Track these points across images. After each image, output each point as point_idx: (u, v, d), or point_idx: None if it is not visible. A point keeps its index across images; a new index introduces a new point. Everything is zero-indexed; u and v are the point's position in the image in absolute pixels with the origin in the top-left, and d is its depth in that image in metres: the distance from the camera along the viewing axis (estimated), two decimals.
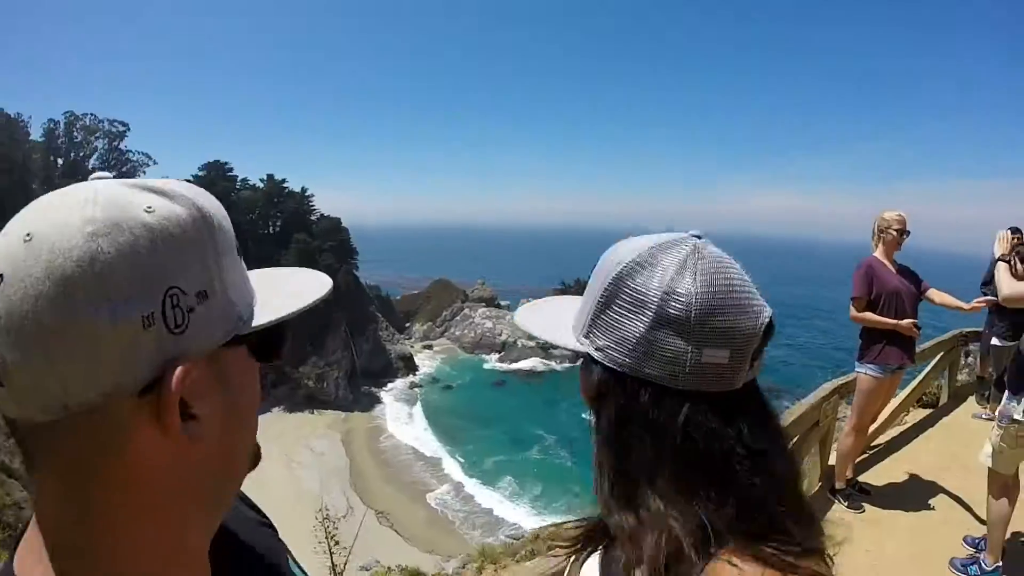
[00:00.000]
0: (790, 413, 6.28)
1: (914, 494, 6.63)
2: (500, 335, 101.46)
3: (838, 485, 6.66)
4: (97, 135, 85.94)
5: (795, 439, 6.26)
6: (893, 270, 6.43)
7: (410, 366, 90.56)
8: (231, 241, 0.82)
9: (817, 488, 6.83)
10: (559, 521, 20.72)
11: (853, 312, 6.39)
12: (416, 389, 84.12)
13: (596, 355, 1.14)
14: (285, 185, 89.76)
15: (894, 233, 6.38)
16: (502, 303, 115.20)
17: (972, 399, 9.98)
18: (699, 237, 1.09)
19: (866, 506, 6.46)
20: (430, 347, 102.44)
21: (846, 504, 6.48)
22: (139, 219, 0.70)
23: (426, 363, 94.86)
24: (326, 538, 9.10)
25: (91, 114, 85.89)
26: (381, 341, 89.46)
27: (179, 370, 0.68)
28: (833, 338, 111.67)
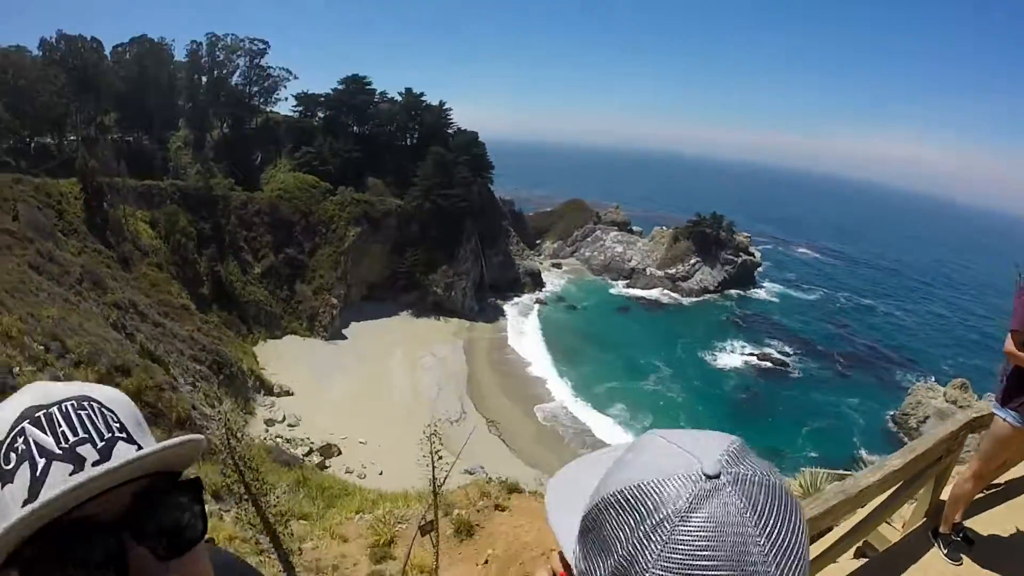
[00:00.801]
0: (911, 449, 5.57)
1: (1021, 553, 5.84)
2: (630, 261, 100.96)
3: (942, 529, 5.95)
4: (238, 53, 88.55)
5: (906, 479, 5.63)
6: None
7: (537, 282, 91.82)
8: None
9: (920, 523, 6.25)
10: None
11: (1009, 346, 5.33)
12: (541, 306, 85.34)
13: (575, 572, 1.05)
14: (423, 99, 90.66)
15: None
16: (635, 229, 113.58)
17: None
18: (713, 477, 0.89)
19: (964, 558, 5.75)
20: (559, 265, 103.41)
21: (945, 552, 5.81)
22: None
23: (553, 281, 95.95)
24: (431, 453, 9.44)
25: (232, 34, 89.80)
26: (511, 255, 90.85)
27: None
28: (961, 313, 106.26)
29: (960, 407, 57.28)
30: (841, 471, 10.09)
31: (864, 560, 5.99)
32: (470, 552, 12.67)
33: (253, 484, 7.58)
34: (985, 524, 6.19)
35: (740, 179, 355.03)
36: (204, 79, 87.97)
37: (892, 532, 6.21)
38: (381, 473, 41.83)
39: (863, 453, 55.35)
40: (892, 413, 62.94)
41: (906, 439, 58.31)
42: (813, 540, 5.62)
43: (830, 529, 5.66)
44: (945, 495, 6.21)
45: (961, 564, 5.66)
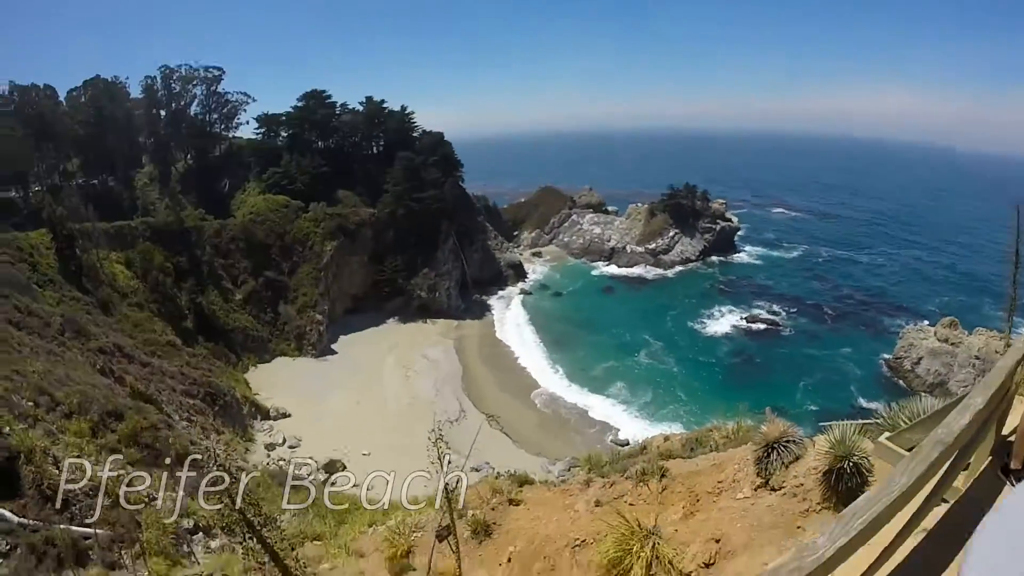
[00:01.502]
0: (987, 385, 4.84)
1: None
2: (609, 240, 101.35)
3: (1014, 465, 5.37)
4: (194, 83, 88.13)
5: (986, 418, 5.01)
6: None
7: (520, 273, 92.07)
8: None
9: (986, 463, 5.67)
10: (668, 433, 20.89)
11: None
12: (526, 296, 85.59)
13: None
14: (385, 106, 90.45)
15: None
16: (610, 209, 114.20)
17: None
18: None
19: None
20: (539, 254, 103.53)
21: None
22: None
23: (536, 270, 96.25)
24: (439, 458, 9.18)
25: (186, 64, 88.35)
26: (490, 250, 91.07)
27: None
28: (941, 254, 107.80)
29: (952, 344, 58.20)
30: (861, 421, 10.10)
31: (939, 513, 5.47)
32: (491, 552, 12.54)
33: (255, 519, 7.72)
34: None
35: (709, 148, 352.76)
36: (163, 112, 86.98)
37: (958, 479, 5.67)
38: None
39: (862, 401, 56.37)
40: (886, 358, 64.05)
41: (901, 383, 59.42)
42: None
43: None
44: (1006, 430, 5.85)
45: None
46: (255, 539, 7.69)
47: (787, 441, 9.29)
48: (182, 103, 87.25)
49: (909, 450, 5.89)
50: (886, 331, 71.70)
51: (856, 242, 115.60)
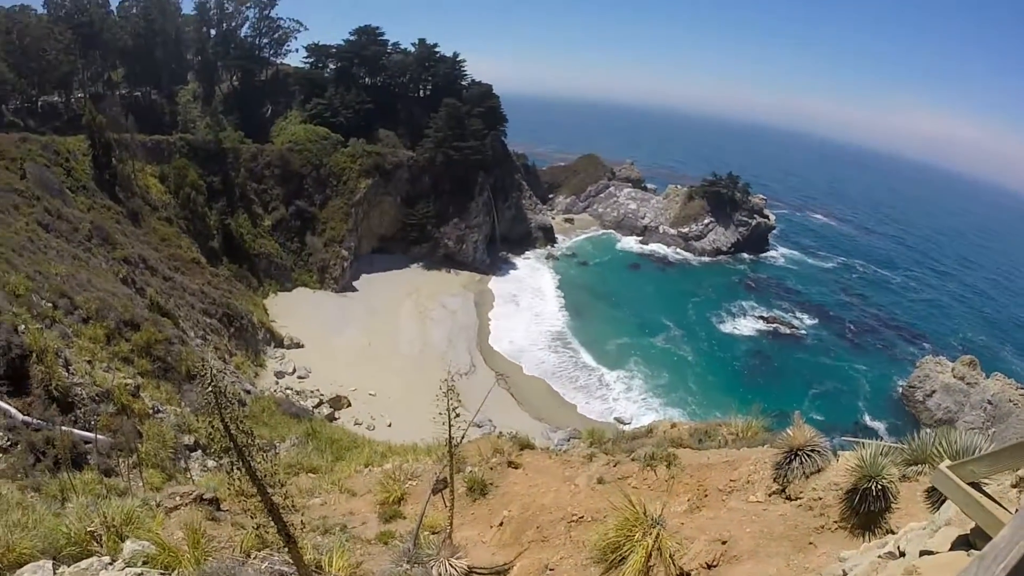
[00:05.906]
0: None
1: None
2: (643, 218, 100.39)
3: None
4: (248, 5, 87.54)
5: None
6: None
7: (549, 237, 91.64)
8: None
9: None
10: (674, 421, 20.52)
11: None
12: (553, 260, 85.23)
13: None
14: (436, 50, 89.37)
15: None
16: (649, 186, 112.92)
17: None
18: None
19: None
20: (571, 220, 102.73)
21: None
22: None
23: (565, 236, 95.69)
24: (448, 410, 9.06)
25: None
26: (523, 210, 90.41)
27: None
28: (975, 291, 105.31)
29: (968, 383, 56.67)
30: (884, 443, 9.40)
31: None
32: (483, 512, 12.31)
33: (245, 448, 6.98)
34: None
35: (761, 142, 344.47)
36: (213, 32, 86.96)
37: None
38: (390, 425, 42.07)
39: (867, 419, 55.82)
40: (901, 384, 62.96)
41: (909, 411, 58.48)
42: None
43: None
44: None
45: None
46: (243, 467, 7.08)
47: (812, 450, 8.88)
48: (233, 24, 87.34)
49: (971, 484, 5.18)
50: (904, 357, 70.43)
51: (893, 264, 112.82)
